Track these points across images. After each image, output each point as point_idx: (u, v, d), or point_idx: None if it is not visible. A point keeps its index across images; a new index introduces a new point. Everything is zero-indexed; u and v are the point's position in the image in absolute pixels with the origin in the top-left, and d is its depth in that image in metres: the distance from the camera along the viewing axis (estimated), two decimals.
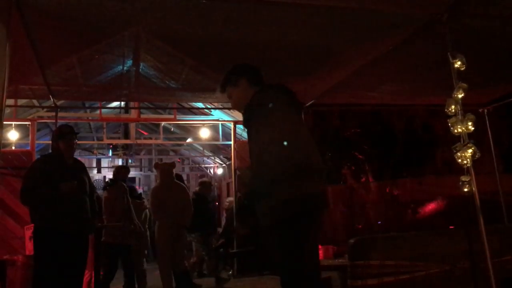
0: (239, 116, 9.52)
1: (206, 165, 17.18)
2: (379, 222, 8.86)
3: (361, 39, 4.04)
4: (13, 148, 9.14)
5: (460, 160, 3.19)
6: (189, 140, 13.64)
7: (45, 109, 8.69)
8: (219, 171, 15.86)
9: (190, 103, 9.40)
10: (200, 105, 9.53)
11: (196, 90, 6.12)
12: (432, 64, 4.41)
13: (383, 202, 9.50)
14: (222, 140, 10.85)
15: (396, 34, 3.83)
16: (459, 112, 3.25)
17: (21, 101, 7.76)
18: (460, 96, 3.22)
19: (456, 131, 3.26)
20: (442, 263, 3.02)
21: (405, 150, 10.31)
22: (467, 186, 3.16)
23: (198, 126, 11.13)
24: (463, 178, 3.18)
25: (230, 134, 9.16)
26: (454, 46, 3.34)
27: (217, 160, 15.75)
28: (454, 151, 3.24)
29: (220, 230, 9.97)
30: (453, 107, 3.26)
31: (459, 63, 3.24)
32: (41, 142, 10.41)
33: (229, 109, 9.31)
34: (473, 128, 3.22)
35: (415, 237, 3.27)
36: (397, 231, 6.37)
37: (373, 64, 4.44)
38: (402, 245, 3.13)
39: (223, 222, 10.24)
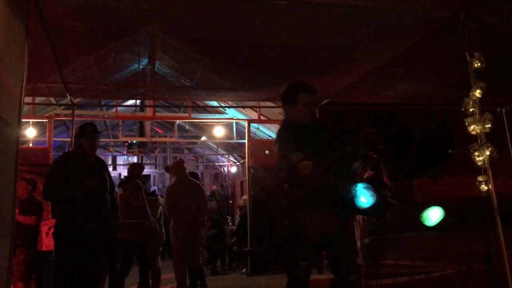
0: (253, 114, 9.54)
1: (220, 163, 17.23)
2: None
3: (376, 39, 4.02)
4: (31, 145, 9.27)
5: (477, 160, 3.15)
6: (203, 138, 13.69)
7: (62, 107, 8.81)
8: (233, 169, 15.90)
9: (205, 102, 9.44)
10: (214, 103, 9.56)
11: (211, 88, 6.15)
12: (449, 63, 4.36)
13: (398, 202, 9.40)
14: (236, 139, 10.87)
15: (413, 33, 3.80)
16: (477, 111, 3.21)
17: (38, 99, 7.87)
18: (477, 95, 3.18)
19: (473, 131, 3.22)
20: (458, 264, 2.99)
21: (421, 150, 10.20)
22: (484, 186, 3.13)
23: (213, 125, 11.16)
24: (480, 178, 3.14)
25: (244, 133, 9.16)
26: (471, 45, 3.30)
27: (231, 158, 15.79)
28: (471, 151, 3.20)
29: (234, 227, 10.00)
30: (470, 106, 3.22)
31: (477, 62, 3.19)
32: (58, 139, 10.54)
33: (243, 107, 9.32)
34: (490, 128, 3.17)
35: (431, 237, 3.24)
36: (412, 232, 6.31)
37: (389, 63, 4.40)
38: (418, 245, 3.10)
39: (237, 220, 10.26)
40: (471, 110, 3.26)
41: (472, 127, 3.22)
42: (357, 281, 2.82)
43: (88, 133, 3.86)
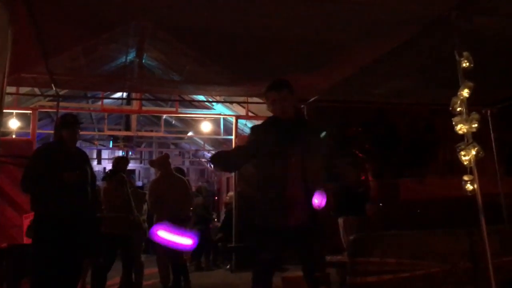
0: (240, 110, 9.51)
1: (206, 159, 17.18)
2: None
3: (367, 36, 4.01)
4: (14, 136, 9.12)
5: (463, 160, 3.17)
6: (190, 133, 13.62)
7: (47, 99, 8.67)
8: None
9: (192, 96, 9.38)
10: (201, 98, 9.52)
11: (199, 82, 6.10)
12: (439, 62, 4.38)
13: (383, 201, 9.48)
14: (224, 135, 10.83)
15: (403, 31, 3.81)
16: (464, 111, 3.23)
17: (23, 90, 7.73)
18: (465, 94, 3.20)
19: (460, 130, 3.24)
20: (443, 263, 3.00)
21: (407, 149, 10.27)
22: (469, 185, 3.15)
23: (200, 120, 11.11)
24: (466, 178, 3.16)
25: (232, 129, 9.14)
26: (461, 44, 3.31)
27: None
28: (458, 150, 3.22)
29: (219, 224, 9.98)
30: (458, 105, 3.24)
31: (465, 61, 3.21)
32: (42, 131, 10.39)
33: (231, 103, 9.29)
34: (477, 128, 3.19)
35: (416, 235, 3.26)
36: (397, 230, 6.35)
37: (379, 61, 4.41)
38: (403, 243, 3.11)
39: (222, 216, 10.24)
40: (458, 109, 3.28)
41: (459, 126, 3.24)
42: (323, 279, 2.85)
43: (68, 124, 3.79)
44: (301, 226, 2.79)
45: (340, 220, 6.74)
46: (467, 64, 3.24)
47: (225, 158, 3.03)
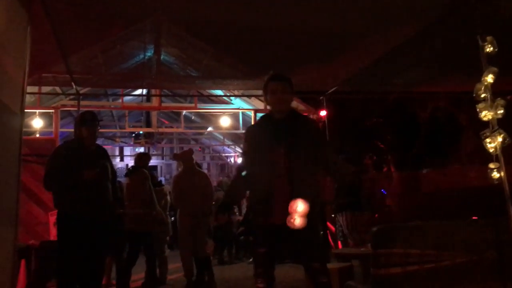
0: (259, 104, 9.48)
1: (226, 154, 17.22)
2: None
3: (385, 24, 3.94)
4: (38, 135, 9.29)
5: (488, 147, 3.09)
6: (209, 129, 13.66)
7: (68, 98, 8.80)
8: (240, 160, 15.90)
9: (210, 91, 9.40)
10: (220, 93, 9.52)
11: (216, 77, 6.11)
12: (460, 48, 4.27)
13: (405, 192, 9.37)
14: (243, 129, 10.82)
15: (422, 17, 3.72)
16: (489, 97, 3.13)
17: (45, 89, 7.86)
18: (490, 80, 3.11)
19: (484, 117, 3.15)
20: (468, 253, 2.93)
21: (428, 139, 10.12)
22: (495, 173, 3.06)
23: (219, 115, 11.12)
24: (492, 165, 3.08)
25: (250, 123, 9.11)
26: (483, 29, 3.21)
27: (238, 149, 15.77)
28: (483, 138, 3.13)
29: (240, 218, 10.00)
30: (482, 92, 3.15)
31: (489, 46, 3.11)
32: (65, 130, 10.57)
33: (249, 96, 9.27)
34: (503, 114, 3.10)
35: (440, 226, 3.18)
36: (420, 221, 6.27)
37: (398, 49, 4.32)
38: (427, 234, 3.04)
39: (244, 210, 10.26)
40: (482, 96, 3.18)
41: (483, 113, 3.14)
42: (322, 269, 2.82)
43: (87, 122, 3.82)
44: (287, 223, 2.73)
45: (341, 217, 6.66)
46: (491, 48, 3.14)
47: (230, 197, 3.22)
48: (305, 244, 2.84)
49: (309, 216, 2.72)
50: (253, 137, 3.06)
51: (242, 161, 3.15)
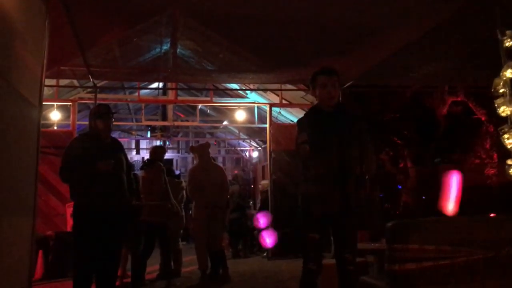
0: (274, 98, 9.46)
1: (241, 148, 17.24)
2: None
3: (403, 17, 3.89)
4: (55, 128, 9.42)
5: (507, 143, 3.04)
6: (225, 122, 13.69)
7: (85, 91, 8.89)
8: (255, 154, 15.89)
9: (226, 85, 9.40)
10: (235, 86, 9.51)
11: (232, 70, 6.11)
12: (479, 42, 4.20)
13: (422, 188, 9.27)
14: (258, 123, 10.81)
15: (440, 10, 3.66)
16: (508, 92, 3.08)
17: (62, 82, 7.95)
18: (509, 75, 3.05)
19: (503, 112, 3.10)
20: (485, 250, 2.89)
21: (446, 135, 9.97)
22: None
23: (234, 109, 11.12)
24: (510, 161, 3.03)
25: (266, 117, 9.09)
26: (503, 22, 3.16)
27: (253, 143, 15.77)
28: (501, 134, 3.08)
29: (255, 212, 10.02)
30: (500, 87, 3.09)
31: (508, 40, 3.06)
32: (82, 123, 10.68)
33: (264, 90, 9.25)
34: None
35: (457, 222, 3.15)
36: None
37: (416, 43, 4.27)
38: (443, 230, 3.01)
39: (258, 204, 10.27)
40: (501, 91, 3.14)
41: (502, 108, 3.10)
42: (352, 259, 2.95)
43: (102, 114, 3.85)
44: (338, 211, 2.89)
45: None
46: (511, 43, 3.08)
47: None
48: (345, 232, 2.98)
49: (356, 204, 2.90)
50: (309, 126, 3.02)
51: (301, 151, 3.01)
